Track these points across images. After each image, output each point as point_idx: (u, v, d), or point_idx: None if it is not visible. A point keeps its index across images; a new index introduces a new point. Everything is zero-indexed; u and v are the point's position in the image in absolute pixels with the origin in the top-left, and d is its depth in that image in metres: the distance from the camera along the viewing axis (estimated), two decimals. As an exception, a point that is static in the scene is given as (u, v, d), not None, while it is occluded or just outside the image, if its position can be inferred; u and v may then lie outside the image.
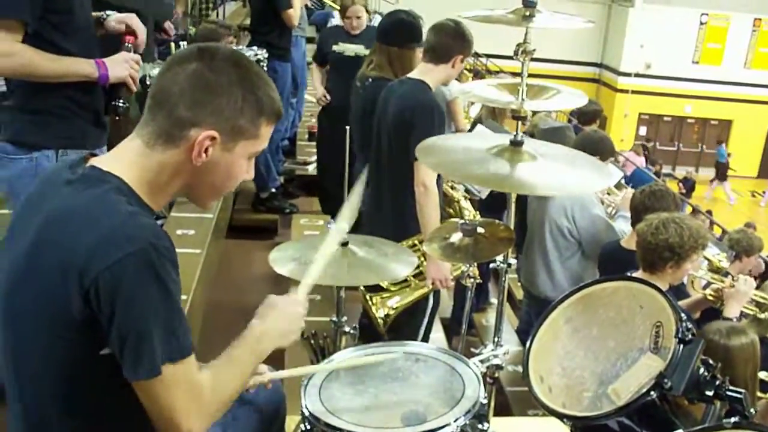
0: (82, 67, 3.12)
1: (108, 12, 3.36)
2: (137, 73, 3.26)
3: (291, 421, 2.76)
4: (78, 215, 1.83)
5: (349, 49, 6.14)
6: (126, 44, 3.29)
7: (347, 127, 3.16)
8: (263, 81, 1.99)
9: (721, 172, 25.75)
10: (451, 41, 4.09)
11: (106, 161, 1.96)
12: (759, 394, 3.68)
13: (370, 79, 4.82)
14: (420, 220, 3.97)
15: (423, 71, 4.17)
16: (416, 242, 4.02)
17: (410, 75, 4.24)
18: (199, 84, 1.90)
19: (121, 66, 3.20)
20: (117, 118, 3.34)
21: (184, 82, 1.90)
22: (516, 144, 2.58)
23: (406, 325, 4.14)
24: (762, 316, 4.19)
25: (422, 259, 3.93)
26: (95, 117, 3.27)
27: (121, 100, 3.26)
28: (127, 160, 1.94)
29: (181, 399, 1.87)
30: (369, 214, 4.39)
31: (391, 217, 4.24)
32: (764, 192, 26.36)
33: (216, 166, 1.96)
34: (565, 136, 5.88)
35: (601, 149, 5.01)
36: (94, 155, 2.02)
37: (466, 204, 4.78)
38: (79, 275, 1.75)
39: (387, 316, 3.93)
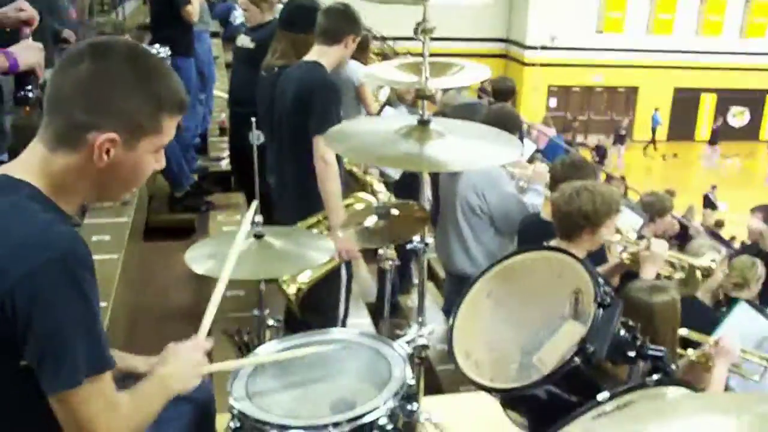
0: None
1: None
2: (43, 60, 3.18)
3: (222, 419, 2.72)
4: None
5: (240, 39, 6.11)
6: (25, 32, 3.21)
7: (253, 119, 3.13)
8: (161, 73, 1.94)
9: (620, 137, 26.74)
10: (342, 23, 4.23)
11: (16, 168, 1.90)
12: (680, 351, 3.77)
13: (276, 68, 4.80)
14: (322, 194, 4.05)
15: (318, 54, 4.26)
16: (320, 218, 4.10)
17: (305, 58, 4.31)
18: (93, 85, 1.84)
19: (29, 52, 3.11)
20: (28, 108, 3.25)
21: (78, 83, 1.84)
22: (423, 123, 2.57)
23: (325, 304, 4.21)
24: (677, 276, 4.27)
25: (326, 232, 4.00)
26: None
27: (30, 88, 3.16)
28: (34, 165, 1.88)
29: (100, 413, 1.83)
30: (276, 199, 4.41)
31: (296, 198, 4.31)
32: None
33: (120, 165, 1.91)
34: (476, 112, 5.91)
35: (508, 125, 5.03)
36: (1, 163, 1.96)
37: (379, 187, 4.79)
38: None
39: (299, 291, 3.98)
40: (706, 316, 4.39)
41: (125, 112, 1.86)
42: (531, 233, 4.62)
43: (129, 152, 1.90)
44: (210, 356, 3.97)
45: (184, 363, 2.24)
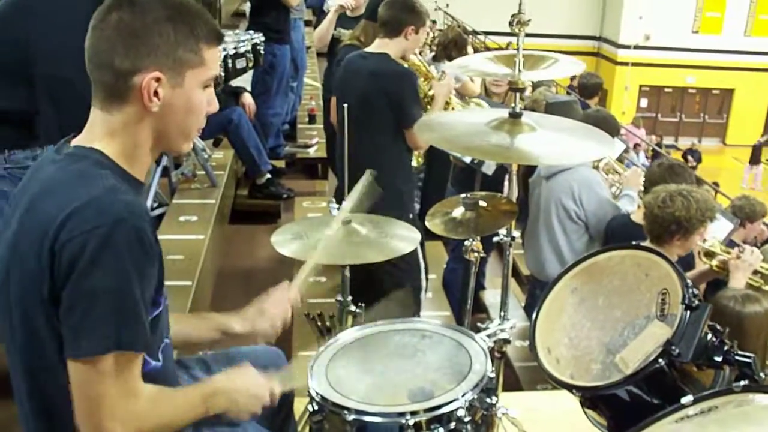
0: None
1: None
2: None
3: (299, 403, 2.74)
4: (59, 189, 1.81)
5: (338, 32, 6.15)
6: None
7: (345, 106, 3.15)
8: (191, 8, 1.94)
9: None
10: (399, 13, 4.20)
11: (85, 137, 1.94)
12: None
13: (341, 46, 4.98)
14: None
15: (380, 46, 4.26)
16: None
17: (369, 50, 4.32)
18: (126, 31, 1.85)
19: None
20: None
21: (111, 34, 1.85)
22: (515, 116, 2.55)
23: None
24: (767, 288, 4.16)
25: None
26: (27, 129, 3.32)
27: None
28: (96, 131, 1.92)
29: (113, 395, 1.78)
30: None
31: (390, 197, 4.16)
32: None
33: (173, 106, 1.92)
34: (572, 110, 5.80)
35: (605, 128, 4.93)
36: (75, 135, 1.99)
37: None
38: (50, 246, 1.73)
39: None
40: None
41: (163, 48, 1.87)
42: (619, 235, 4.53)
43: (177, 89, 1.91)
44: (290, 340, 4.03)
45: (246, 391, 2.15)
